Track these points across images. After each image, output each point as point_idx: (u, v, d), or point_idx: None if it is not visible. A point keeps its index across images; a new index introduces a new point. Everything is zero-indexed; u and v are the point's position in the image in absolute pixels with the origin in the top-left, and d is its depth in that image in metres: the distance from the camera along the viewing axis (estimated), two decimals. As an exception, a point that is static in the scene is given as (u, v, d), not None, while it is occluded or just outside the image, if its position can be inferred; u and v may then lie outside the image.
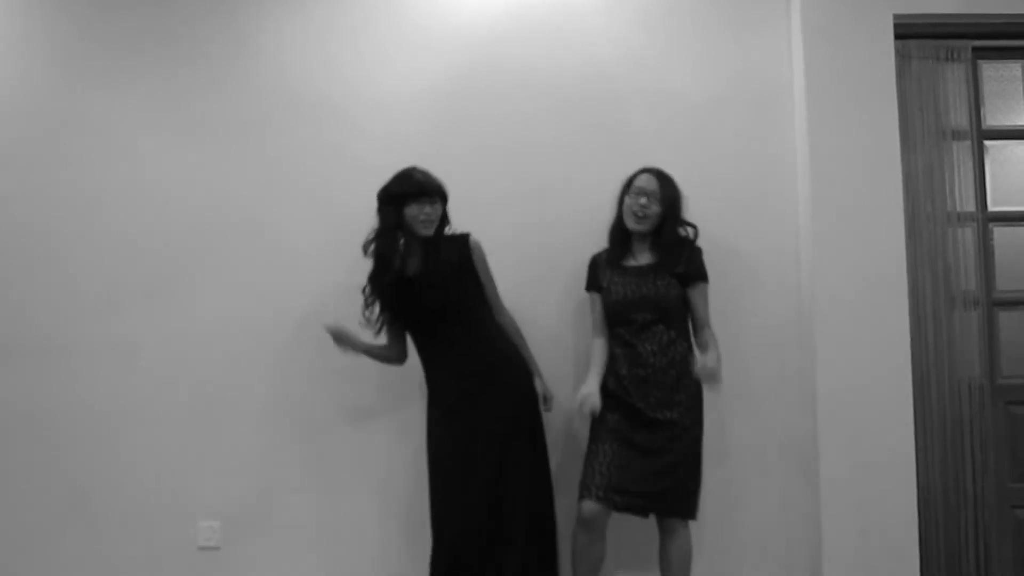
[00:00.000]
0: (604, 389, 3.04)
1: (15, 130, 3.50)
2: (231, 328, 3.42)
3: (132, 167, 3.49)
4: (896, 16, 3.38)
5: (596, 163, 3.33)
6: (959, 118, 3.51)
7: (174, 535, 3.36)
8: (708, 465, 3.33)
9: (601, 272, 3.15)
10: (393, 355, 3.18)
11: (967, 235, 3.47)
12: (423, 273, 3.02)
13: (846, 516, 3.22)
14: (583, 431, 3.11)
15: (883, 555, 3.19)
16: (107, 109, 3.50)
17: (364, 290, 3.08)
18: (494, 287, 3.12)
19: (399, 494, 3.23)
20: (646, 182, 3.08)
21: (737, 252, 3.42)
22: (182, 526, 3.37)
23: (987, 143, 3.56)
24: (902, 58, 3.47)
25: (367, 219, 3.42)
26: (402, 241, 3.03)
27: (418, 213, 3.01)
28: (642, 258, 3.12)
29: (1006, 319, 3.50)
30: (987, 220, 3.53)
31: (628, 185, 3.12)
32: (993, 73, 3.59)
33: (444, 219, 3.08)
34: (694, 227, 3.16)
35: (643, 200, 3.06)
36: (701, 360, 2.95)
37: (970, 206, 3.49)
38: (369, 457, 3.37)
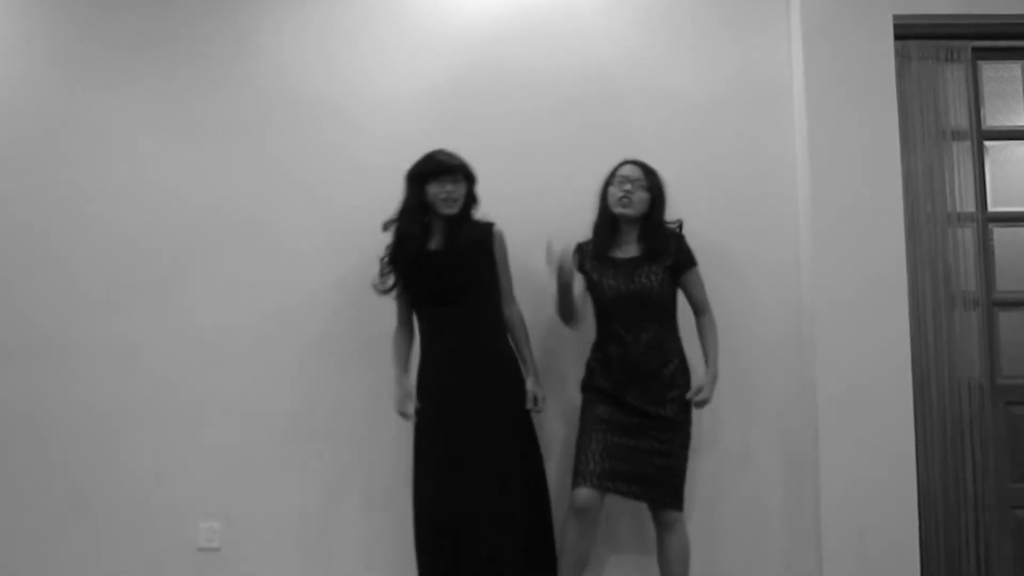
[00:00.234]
0: (595, 385, 3.05)
1: (15, 130, 3.51)
2: (231, 328, 3.42)
3: (132, 167, 3.49)
4: (896, 16, 3.39)
5: (596, 163, 3.32)
6: (959, 118, 3.51)
7: (174, 536, 3.36)
8: (708, 466, 3.35)
9: (587, 262, 3.14)
10: (405, 337, 3.18)
11: (967, 235, 3.47)
12: (444, 250, 3.06)
13: (846, 516, 3.22)
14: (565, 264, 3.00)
15: (883, 555, 3.19)
16: (107, 109, 3.51)
17: (382, 259, 3.10)
18: (509, 280, 3.14)
19: (400, 495, 3.22)
20: (629, 171, 3.10)
21: (737, 252, 3.43)
22: (182, 527, 3.37)
23: (987, 143, 3.57)
24: (902, 58, 3.47)
25: (367, 219, 3.42)
26: (426, 219, 3.07)
27: (439, 191, 3.04)
28: (629, 250, 3.12)
29: (1006, 319, 3.50)
30: (987, 220, 3.53)
31: (612, 175, 3.13)
32: (993, 74, 3.60)
33: (470, 199, 3.11)
34: (678, 221, 3.17)
35: (627, 187, 3.07)
36: (696, 383, 3.05)
37: (970, 206, 3.49)
38: (369, 458, 3.37)
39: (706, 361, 3.14)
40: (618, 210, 3.08)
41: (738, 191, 3.46)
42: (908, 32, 3.46)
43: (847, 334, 3.27)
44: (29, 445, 3.39)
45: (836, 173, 3.33)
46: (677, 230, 3.16)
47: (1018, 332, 3.49)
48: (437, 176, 3.04)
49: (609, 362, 3.05)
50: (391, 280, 3.11)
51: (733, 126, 3.48)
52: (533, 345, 3.19)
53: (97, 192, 3.48)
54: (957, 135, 3.50)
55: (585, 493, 2.95)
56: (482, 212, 3.19)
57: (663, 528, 3.03)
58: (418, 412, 3.04)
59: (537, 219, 3.38)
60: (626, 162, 3.14)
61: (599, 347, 3.11)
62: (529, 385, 3.09)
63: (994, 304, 3.50)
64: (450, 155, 3.08)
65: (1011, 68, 3.61)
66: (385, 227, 3.11)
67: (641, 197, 3.08)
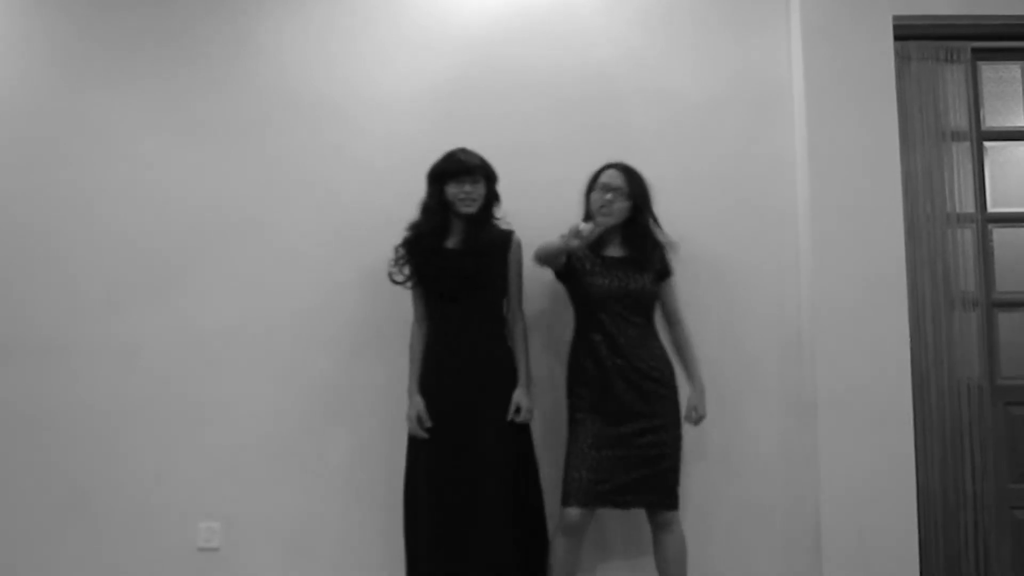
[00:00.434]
0: (583, 391, 3.03)
1: (15, 130, 3.50)
2: (231, 328, 3.42)
3: (132, 167, 3.49)
4: (896, 17, 3.39)
5: (596, 163, 3.32)
6: (958, 119, 3.51)
7: (174, 536, 3.36)
8: (707, 466, 3.35)
9: (577, 253, 3.10)
10: (421, 338, 3.15)
11: (966, 236, 3.48)
12: (461, 249, 3.08)
13: (846, 516, 3.22)
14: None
15: (883, 556, 3.19)
16: (107, 109, 3.51)
17: (396, 248, 3.11)
18: (519, 290, 3.15)
19: (399, 495, 3.21)
20: (610, 178, 3.08)
21: (736, 251, 3.43)
22: (182, 527, 3.37)
23: (986, 144, 3.57)
24: (902, 59, 3.47)
25: (367, 219, 3.44)
26: (445, 218, 3.09)
27: (458, 191, 3.05)
28: (614, 250, 3.12)
29: (1005, 320, 3.51)
30: (986, 221, 3.53)
31: (594, 180, 3.12)
32: (992, 74, 3.60)
33: (491, 198, 3.12)
34: (658, 224, 3.16)
35: (608, 196, 3.06)
36: (690, 403, 3.10)
37: (969, 207, 3.49)
38: (369, 458, 3.37)
39: (690, 375, 3.16)
40: (599, 219, 3.06)
41: (737, 191, 3.46)
42: (908, 32, 3.46)
43: (847, 334, 3.27)
44: (29, 445, 3.39)
45: (836, 173, 3.33)
46: (663, 239, 3.15)
47: (1017, 333, 3.50)
48: (456, 176, 3.05)
49: (597, 355, 3.02)
50: (406, 271, 3.11)
51: (733, 126, 3.48)
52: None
53: (97, 192, 3.47)
54: (957, 136, 3.50)
55: (575, 512, 2.94)
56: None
57: (660, 529, 3.03)
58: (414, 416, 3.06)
59: (537, 219, 3.38)
60: (608, 167, 3.12)
61: (582, 336, 3.07)
62: (516, 395, 3.04)
63: (993, 305, 3.51)
64: (469, 154, 3.09)
65: (1011, 69, 3.61)
66: (410, 228, 3.13)
67: (621, 206, 3.07)
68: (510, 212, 3.24)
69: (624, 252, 3.11)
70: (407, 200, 3.38)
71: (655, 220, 3.15)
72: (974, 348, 3.43)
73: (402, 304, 3.23)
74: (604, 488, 2.94)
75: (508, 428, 3.02)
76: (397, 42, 3.53)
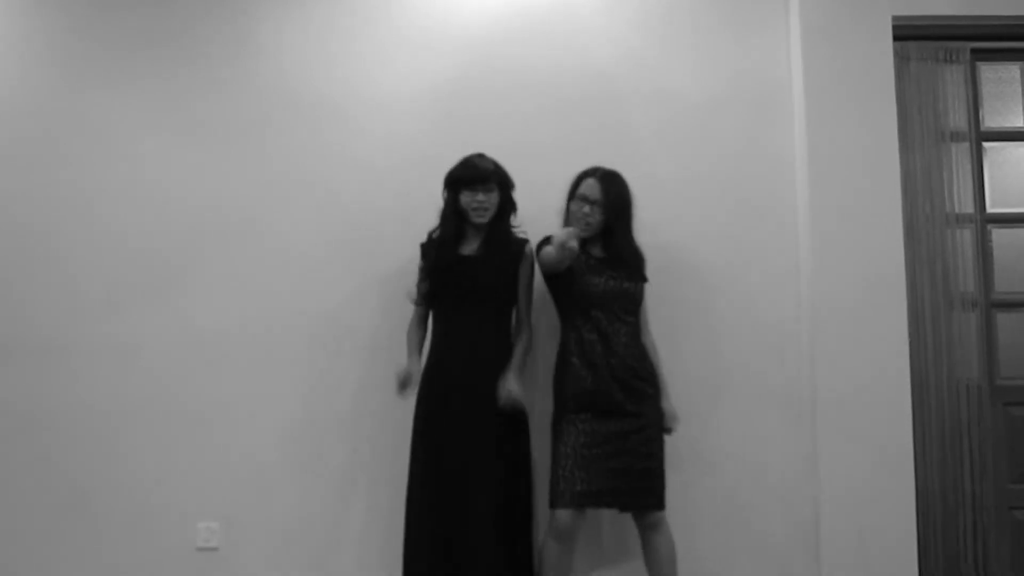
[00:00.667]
0: (574, 378, 3.01)
1: (15, 130, 3.50)
2: (230, 328, 3.42)
3: (132, 167, 3.49)
4: (895, 17, 3.39)
5: (596, 163, 3.33)
6: (958, 119, 3.52)
7: (173, 536, 3.36)
8: (707, 467, 3.35)
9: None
10: (419, 333, 3.16)
11: (966, 236, 3.48)
12: (475, 256, 3.07)
13: (845, 516, 3.22)
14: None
15: (882, 556, 3.19)
16: (107, 109, 3.51)
17: (421, 268, 3.11)
18: (528, 301, 3.14)
19: (399, 495, 3.21)
20: (588, 189, 3.07)
21: (736, 251, 3.43)
22: (181, 527, 3.37)
23: (986, 144, 3.58)
24: (901, 59, 3.48)
25: (367, 219, 3.44)
26: (461, 224, 3.09)
27: (471, 200, 3.05)
28: (598, 252, 3.11)
29: (1004, 320, 3.51)
30: (985, 221, 3.54)
31: (574, 190, 3.11)
32: (992, 75, 3.60)
33: (506, 205, 3.12)
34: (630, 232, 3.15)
35: (586, 208, 3.06)
36: (668, 412, 3.08)
37: (968, 207, 3.49)
38: (368, 458, 3.37)
39: (660, 385, 3.12)
40: (579, 231, 3.00)
41: (737, 191, 3.46)
42: (907, 33, 3.46)
43: (846, 334, 3.27)
44: (29, 445, 3.39)
45: (835, 173, 3.33)
46: (636, 246, 3.15)
47: (1017, 333, 3.50)
48: (469, 184, 3.05)
49: (590, 353, 3.00)
50: (425, 288, 3.10)
51: (733, 126, 3.49)
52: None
53: (97, 192, 3.47)
54: (956, 136, 3.51)
55: (566, 515, 2.93)
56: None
57: (650, 530, 3.01)
58: (415, 419, 3.07)
59: (537, 219, 3.38)
60: (587, 176, 3.10)
61: (575, 335, 3.04)
62: (506, 381, 2.98)
63: (993, 305, 3.51)
64: (485, 160, 3.09)
65: (1010, 69, 3.61)
66: (430, 236, 3.14)
67: (599, 220, 3.06)
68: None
69: (606, 254, 3.11)
70: (407, 200, 3.40)
71: (629, 229, 3.13)
72: (973, 348, 3.43)
73: (401, 304, 3.24)
74: (595, 489, 2.93)
75: (507, 434, 3.02)
76: (397, 42, 3.53)
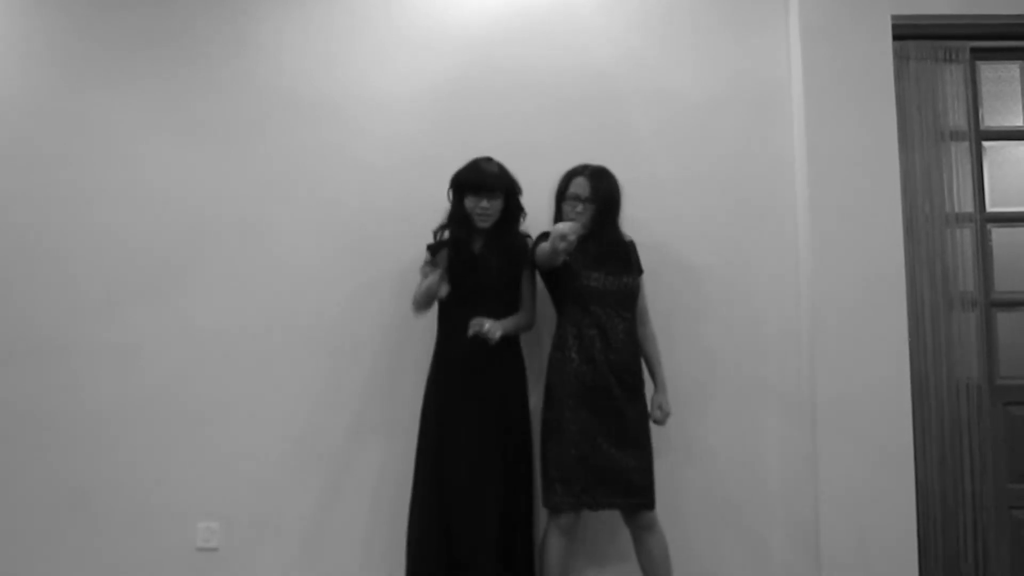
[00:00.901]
0: (571, 374, 3.00)
1: (15, 130, 3.50)
2: (230, 328, 3.42)
3: (132, 167, 3.49)
4: (894, 17, 3.39)
5: (596, 163, 3.33)
6: (957, 119, 3.52)
7: (173, 536, 3.36)
8: (707, 467, 3.35)
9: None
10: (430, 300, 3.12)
11: (965, 236, 3.48)
12: (480, 254, 3.08)
13: (845, 516, 3.22)
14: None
15: (882, 556, 3.19)
16: (107, 109, 3.51)
17: (442, 273, 3.04)
18: (532, 294, 3.15)
19: (398, 495, 3.22)
20: (579, 187, 3.08)
21: (735, 251, 3.43)
22: (181, 527, 3.37)
23: (985, 144, 3.57)
24: (900, 59, 3.48)
25: (367, 219, 3.44)
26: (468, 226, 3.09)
27: (474, 206, 3.06)
28: (592, 247, 3.09)
29: (1004, 320, 3.51)
30: (985, 221, 3.54)
31: (564, 189, 3.10)
32: (991, 74, 3.60)
33: (513, 210, 3.13)
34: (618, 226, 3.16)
35: (579, 208, 3.06)
36: (654, 402, 3.09)
37: (968, 207, 3.49)
38: (368, 458, 3.37)
39: (654, 373, 3.15)
40: (580, 228, 2.99)
41: (737, 191, 3.46)
42: (907, 32, 3.46)
43: (846, 334, 3.27)
44: (29, 445, 3.39)
45: (835, 173, 3.33)
46: (628, 238, 3.16)
47: (1016, 333, 3.50)
48: (474, 190, 3.05)
49: (589, 348, 3.00)
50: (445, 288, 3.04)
51: (732, 126, 3.49)
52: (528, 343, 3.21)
53: (97, 192, 3.47)
54: (955, 135, 3.51)
55: (568, 512, 2.94)
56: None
57: (644, 530, 3.01)
58: (422, 416, 3.08)
59: (537, 218, 3.39)
60: (576, 175, 3.10)
61: (573, 331, 3.03)
62: (485, 319, 2.96)
63: (992, 304, 3.51)
64: (490, 166, 3.09)
65: (1009, 68, 3.61)
66: (435, 234, 3.14)
67: (591, 217, 3.06)
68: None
69: (601, 250, 3.10)
70: (407, 200, 3.40)
71: (616, 222, 3.13)
72: (973, 348, 3.43)
73: (401, 304, 3.24)
74: (591, 487, 2.93)
75: (510, 431, 3.03)
76: (397, 42, 3.53)
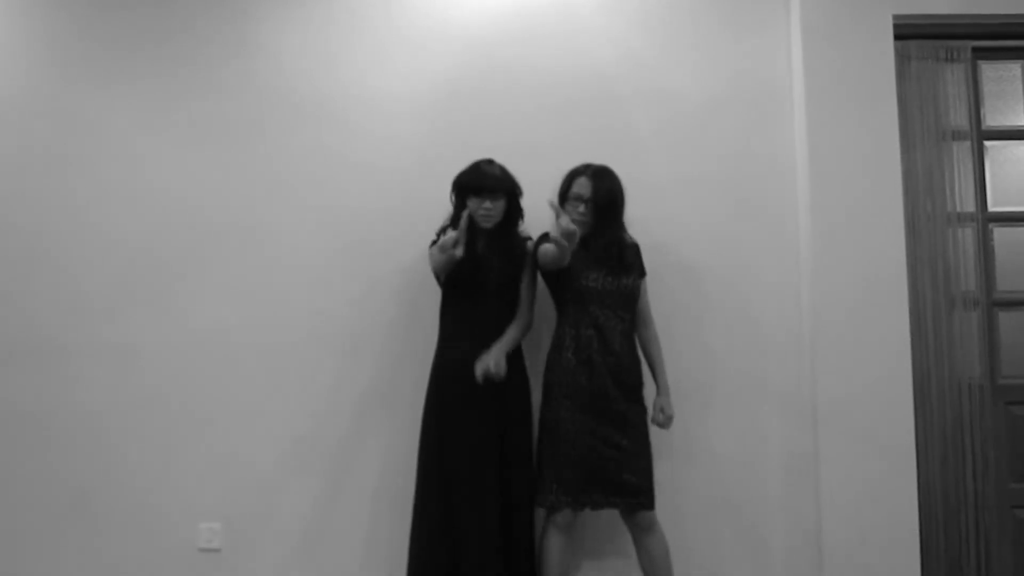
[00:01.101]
0: (569, 374, 3.00)
1: (15, 130, 3.50)
2: (230, 329, 3.42)
3: (131, 167, 3.49)
4: (896, 16, 3.39)
5: (596, 163, 3.33)
6: (959, 118, 3.51)
7: (174, 537, 3.36)
8: (707, 467, 3.35)
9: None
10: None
11: (967, 235, 3.48)
12: (486, 254, 3.07)
13: (846, 516, 3.22)
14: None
15: (883, 556, 3.19)
16: (107, 109, 3.51)
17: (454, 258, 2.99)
18: (531, 295, 3.15)
19: (399, 496, 3.22)
20: (581, 187, 3.07)
21: (737, 251, 3.43)
22: (182, 528, 3.37)
23: (987, 143, 3.57)
24: (902, 58, 3.47)
25: (367, 219, 3.44)
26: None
27: (477, 207, 3.06)
28: (594, 248, 3.09)
29: (1006, 319, 3.51)
30: (987, 220, 3.53)
31: (567, 190, 3.09)
32: (993, 73, 3.60)
33: (514, 212, 3.13)
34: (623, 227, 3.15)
35: (581, 208, 3.06)
36: (656, 405, 3.08)
37: (970, 206, 3.49)
38: (368, 459, 3.37)
39: (656, 376, 3.14)
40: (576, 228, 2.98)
41: (737, 191, 3.46)
42: (908, 32, 3.46)
43: (847, 334, 3.27)
44: (29, 445, 3.39)
45: (836, 173, 3.33)
46: (630, 239, 3.15)
47: (1018, 332, 3.50)
48: (476, 192, 3.06)
49: (586, 348, 3.00)
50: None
51: (733, 126, 3.48)
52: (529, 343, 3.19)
53: (97, 193, 3.47)
54: (957, 135, 3.50)
55: (567, 511, 2.95)
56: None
57: (643, 531, 3.01)
58: (425, 413, 3.08)
59: (537, 219, 3.38)
60: (578, 175, 3.10)
61: (572, 331, 3.03)
62: (487, 355, 2.96)
63: (994, 304, 3.51)
64: (492, 168, 3.09)
65: (1011, 68, 3.61)
66: (438, 235, 3.11)
67: (594, 217, 3.06)
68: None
69: (603, 251, 3.09)
70: (407, 200, 3.40)
71: (619, 223, 3.12)
72: (975, 347, 3.43)
73: (401, 304, 3.24)
74: (588, 487, 2.93)
75: (511, 431, 3.03)
76: (397, 42, 3.53)
